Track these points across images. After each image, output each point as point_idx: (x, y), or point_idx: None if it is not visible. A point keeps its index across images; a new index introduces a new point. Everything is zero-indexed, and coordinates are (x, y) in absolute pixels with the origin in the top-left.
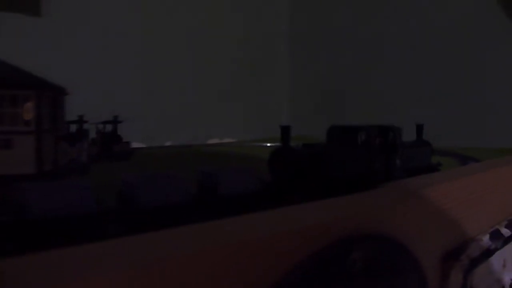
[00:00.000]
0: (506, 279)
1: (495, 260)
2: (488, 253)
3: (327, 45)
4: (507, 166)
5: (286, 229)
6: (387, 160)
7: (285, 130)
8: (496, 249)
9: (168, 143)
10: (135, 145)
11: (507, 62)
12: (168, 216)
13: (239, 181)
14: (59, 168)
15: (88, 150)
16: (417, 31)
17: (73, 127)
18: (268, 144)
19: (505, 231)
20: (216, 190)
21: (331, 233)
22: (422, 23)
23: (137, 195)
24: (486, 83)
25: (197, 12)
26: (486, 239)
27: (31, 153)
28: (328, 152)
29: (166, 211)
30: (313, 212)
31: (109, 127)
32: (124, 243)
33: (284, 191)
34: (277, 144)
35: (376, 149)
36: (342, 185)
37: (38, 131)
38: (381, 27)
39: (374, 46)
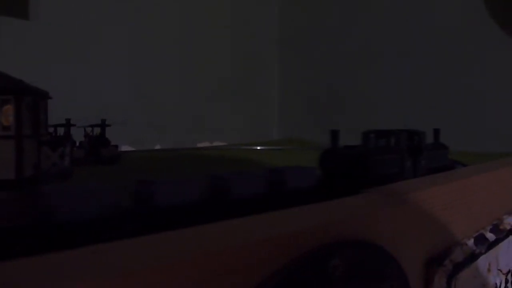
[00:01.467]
0: (492, 283)
1: (480, 264)
2: (472, 257)
3: (317, 49)
4: (491, 171)
5: (264, 236)
6: (414, 161)
7: (335, 134)
8: (480, 254)
9: (157, 147)
10: (124, 148)
11: (499, 67)
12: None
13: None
14: (40, 173)
15: (70, 155)
16: (408, 35)
17: (61, 131)
18: (258, 148)
19: (490, 236)
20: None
21: (311, 240)
22: (413, 27)
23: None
24: (478, 87)
25: (187, 16)
26: (470, 243)
27: (11, 159)
28: (369, 153)
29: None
30: (293, 218)
31: (97, 131)
32: (108, 248)
33: (337, 189)
34: (270, 147)
35: (406, 151)
36: (382, 183)
37: (18, 136)
38: (371, 31)
39: (364, 49)
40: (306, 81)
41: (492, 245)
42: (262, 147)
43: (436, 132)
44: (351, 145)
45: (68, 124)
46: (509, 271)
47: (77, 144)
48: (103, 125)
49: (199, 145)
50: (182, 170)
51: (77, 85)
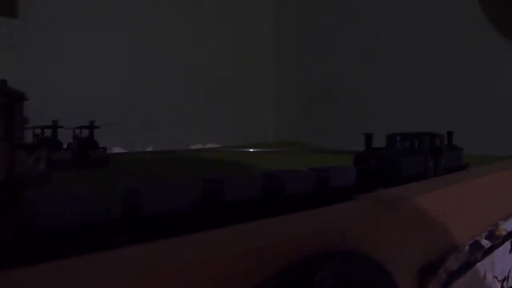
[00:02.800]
0: None
1: (475, 272)
2: (467, 265)
3: (312, 50)
4: (486, 176)
5: (244, 248)
6: (435, 161)
7: (368, 136)
8: (476, 261)
9: (149, 149)
10: (115, 150)
11: (497, 70)
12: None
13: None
14: (13, 178)
15: (47, 158)
16: (404, 37)
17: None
18: (251, 150)
19: (485, 242)
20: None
21: (296, 251)
22: (410, 28)
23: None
24: (475, 89)
25: (181, 17)
26: (465, 251)
27: None
28: (400, 155)
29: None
30: (276, 228)
31: (86, 132)
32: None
33: (371, 187)
34: (263, 149)
35: (428, 152)
36: (410, 181)
37: None
38: (367, 32)
39: (360, 50)
40: (301, 83)
41: (487, 252)
42: (255, 150)
43: (450, 134)
44: (378, 147)
45: (55, 126)
46: (505, 278)
47: (65, 146)
48: (91, 126)
49: (193, 147)
50: (169, 173)
51: (68, 86)
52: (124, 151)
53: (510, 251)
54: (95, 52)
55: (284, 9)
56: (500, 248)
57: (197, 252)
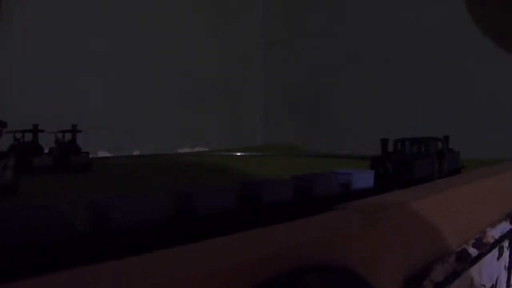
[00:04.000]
0: None
1: (462, 282)
2: (454, 275)
3: (302, 53)
4: (472, 183)
5: (214, 266)
6: (439, 164)
7: (384, 142)
8: (463, 270)
9: (136, 152)
10: (100, 154)
11: (485, 72)
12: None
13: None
14: None
15: (14, 167)
16: (395, 40)
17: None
18: (238, 154)
19: (473, 251)
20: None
21: (269, 267)
22: (400, 31)
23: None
24: (464, 93)
25: (168, 20)
26: (452, 260)
27: None
28: (414, 158)
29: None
30: (248, 243)
31: (70, 137)
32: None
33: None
34: (251, 153)
35: (435, 155)
36: (421, 183)
37: None
38: (357, 35)
39: (350, 54)
40: (290, 86)
41: (475, 260)
42: (243, 153)
43: (446, 138)
44: (391, 151)
45: (35, 130)
46: (492, 286)
47: (46, 150)
48: (73, 130)
49: (180, 150)
50: (149, 180)
51: (51, 89)
52: (110, 155)
53: (498, 258)
54: (81, 55)
55: (273, 12)
56: (488, 256)
57: (164, 271)
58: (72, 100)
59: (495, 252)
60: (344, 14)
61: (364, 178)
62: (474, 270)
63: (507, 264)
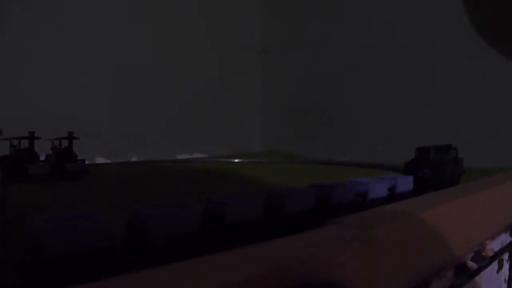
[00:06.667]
0: None
1: None
2: None
3: (299, 60)
4: (471, 195)
5: None
6: (454, 169)
7: (420, 150)
8: (461, 285)
9: (134, 159)
10: (99, 160)
11: (479, 79)
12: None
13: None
14: None
15: (2, 178)
16: (391, 48)
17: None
18: (236, 160)
19: (471, 265)
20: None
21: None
22: (396, 39)
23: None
24: (460, 98)
25: (166, 26)
26: (450, 274)
27: None
28: (443, 164)
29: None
30: (232, 262)
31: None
32: None
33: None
34: (249, 160)
35: (452, 162)
36: (448, 186)
37: None
38: (354, 42)
39: (346, 61)
40: (288, 93)
41: (474, 274)
42: (240, 160)
43: (449, 146)
44: (413, 158)
45: (31, 137)
46: None
47: (43, 158)
48: (70, 137)
49: (179, 157)
50: (142, 188)
51: (48, 95)
52: (108, 161)
53: (497, 271)
54: (78, 61)
55: (270, 19)
56: (487, 269)
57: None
58: (70, 107)
59: (494, 265)
60: (341, 21)
61: (405, 183)
62: (473, 284)
63: (507, 278)
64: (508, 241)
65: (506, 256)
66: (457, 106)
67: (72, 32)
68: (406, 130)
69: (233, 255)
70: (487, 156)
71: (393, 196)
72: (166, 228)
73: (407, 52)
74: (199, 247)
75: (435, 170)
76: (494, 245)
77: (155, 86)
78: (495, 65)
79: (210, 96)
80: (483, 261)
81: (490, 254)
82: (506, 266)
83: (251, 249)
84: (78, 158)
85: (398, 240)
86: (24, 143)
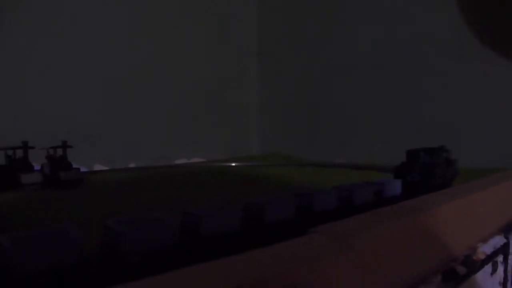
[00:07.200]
0: None
1: None
2: None
3: (298, 62)
4: (461, 197)
5: None
6: (446, 172)
7: (410, 153)
8: None
9: (131, 165)
10: (95, 167)
11: (477, 80)
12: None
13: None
14: None
15: None
16: (388, 49)
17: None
18: (233, 164)
19: (461, 269)
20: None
21: None
22: (393, 41)
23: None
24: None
25: (162, 28)
26: (437, 281)
27: None
28: (433, 167)
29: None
30: (202, 276)
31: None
32: None
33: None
34: (247, 163)
35: (444, 164)
36: (440, 188)
37: None
38: (352, 44)
39: (344, 62)
40: (286, 95)
41: (463, 279)
42: (238, 164)
43: (443, 147)
44: (405, 161)
45: (25, 147)
46: None
47: (37, 167)
48: (64, 146)
49: (177, 162)
50: (136, 197)
51: (44, 103)
52: (104, 168)
53: (491, 274)
54: (72, 67)
55: (267, 21)
56: (480, 272)
57: None
58: (66, 114)
59: (488, 268)
60: (339, 23)
61: (393, 188)
62: None
63: (501, 280)
64: (501, 243)
65: (500, 258)
66: (457, 106)
67: (68, 37)
68: (406, 131)
69: (209, 267)
70: (487, 156)
71: (380, 201)
72: (139, 243)
73: (407, 54)
74: (174, 261)
75: (425, 173)
76: (486, 248)
77: (152, 91)
78: (495, 65)
79: (207, 100)
80: (474, 265)
81: (482, 257)
82: (500, 268)
83: (228, 261)
84: (74, 165)
85: (379, 247)
86: (20, 153)
